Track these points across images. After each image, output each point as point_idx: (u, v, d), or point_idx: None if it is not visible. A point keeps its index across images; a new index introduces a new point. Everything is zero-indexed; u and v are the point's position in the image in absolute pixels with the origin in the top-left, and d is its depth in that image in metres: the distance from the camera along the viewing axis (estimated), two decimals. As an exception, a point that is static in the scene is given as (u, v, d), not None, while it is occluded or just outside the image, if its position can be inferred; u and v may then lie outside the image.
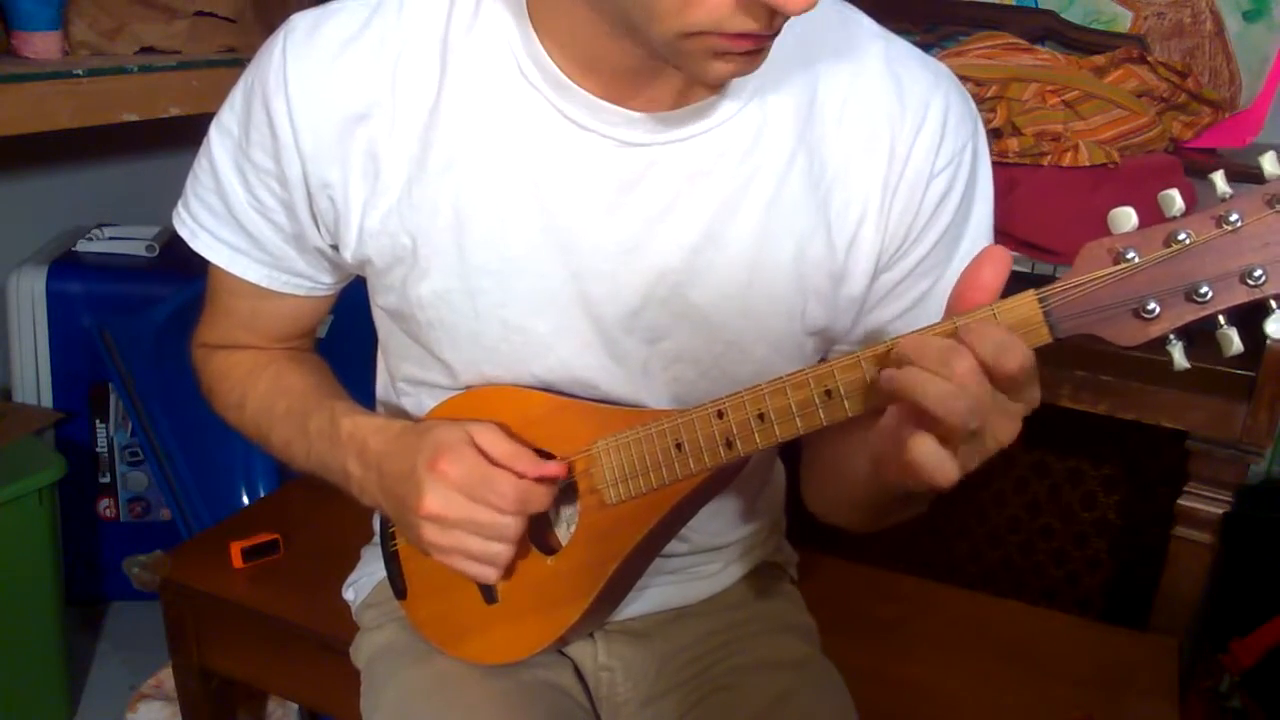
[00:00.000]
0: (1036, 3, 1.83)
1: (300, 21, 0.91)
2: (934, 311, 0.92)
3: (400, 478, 0.92)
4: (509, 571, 0.97)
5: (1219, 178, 0.63)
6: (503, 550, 0.91)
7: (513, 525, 0.90)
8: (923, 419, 0.67)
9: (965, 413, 0.66)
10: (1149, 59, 1.68)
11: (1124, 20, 1.80)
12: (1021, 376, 0.65)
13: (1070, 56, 1.73)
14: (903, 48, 0.94)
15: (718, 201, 0.89)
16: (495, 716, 1.00)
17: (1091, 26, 1.80)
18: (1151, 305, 0.64)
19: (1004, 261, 0.69)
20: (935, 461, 0.68)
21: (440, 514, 0.88)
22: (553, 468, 0.91)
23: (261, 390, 1.07)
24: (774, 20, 0.73)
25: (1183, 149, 1.74)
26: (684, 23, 0.73)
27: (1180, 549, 1.54)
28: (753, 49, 0.76)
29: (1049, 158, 1.57)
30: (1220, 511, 1.51)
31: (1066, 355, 1.52)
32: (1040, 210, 1.56)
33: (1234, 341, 0.64)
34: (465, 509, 0.88)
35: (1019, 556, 2.02)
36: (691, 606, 1.15)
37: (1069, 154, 1.57)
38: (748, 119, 0.89)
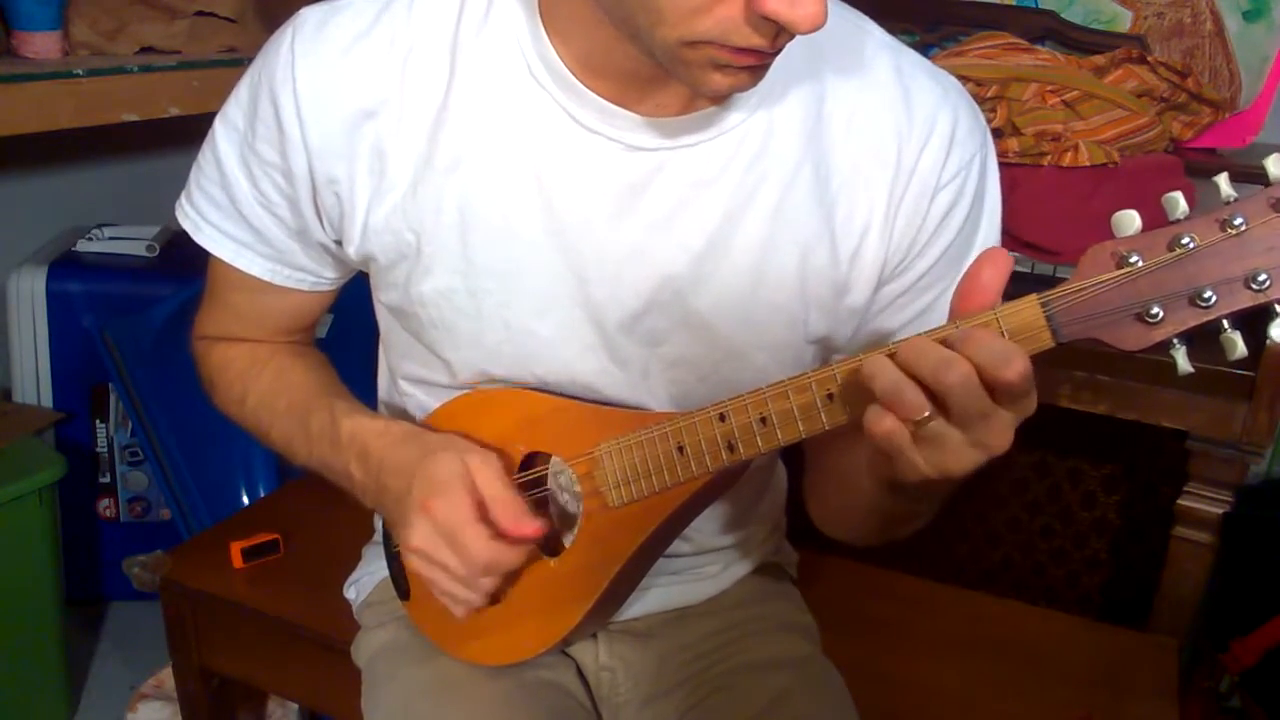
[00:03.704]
0: (1037, 3, 1.83)
1: (309, 16, 0.91)
2: (937, 323, 0.92)
3: (397, 497, 0.92)
4: (512, 572, 0.97)
5: (1223, 180, 0.63)
6: (473, 598, 0.91)
7: (483, 583, 0.90)
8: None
9: (912, 405, 0.66)
10: (1149, 59, 1.69)
11: (1124, 20, 1.80)
12: (1019, 386, 0.65)
13: (1070, 56, 1.73)
14: (912, 59, 0.93)
15: (723, 209, 0.89)
16: (496, 716, 1.00)
17: (1091, 26, 1.80)
18: (1155, 310, 0.64)
19: (1004, 263, 0.69)
20: (890, 438, 0.69)
21: (422, 549, 0.88)
22: (529, 529, 0.88)
23: (263, 385, 1.07)
24: (779, 38, 0.73)
25: (1183, 149, 1.74)
26: (689, 30, 0.72)
27: (1180, 549, 1.54)
28: (754, 64, 0.76)
29: (1049, 158, 1.58)
30: (1220, 511, 1.51)
31: (1067, 356, 1.52)
32: (1040, 210, 1.56)
33: (1238, 346, 0.64)
34: (443, 554, 0.88)
35: (1019, 556, 2.02)
36: (693, 606, 1.15)
37: (1069, 154, 1.57)
38: (755, 127, 0.89)
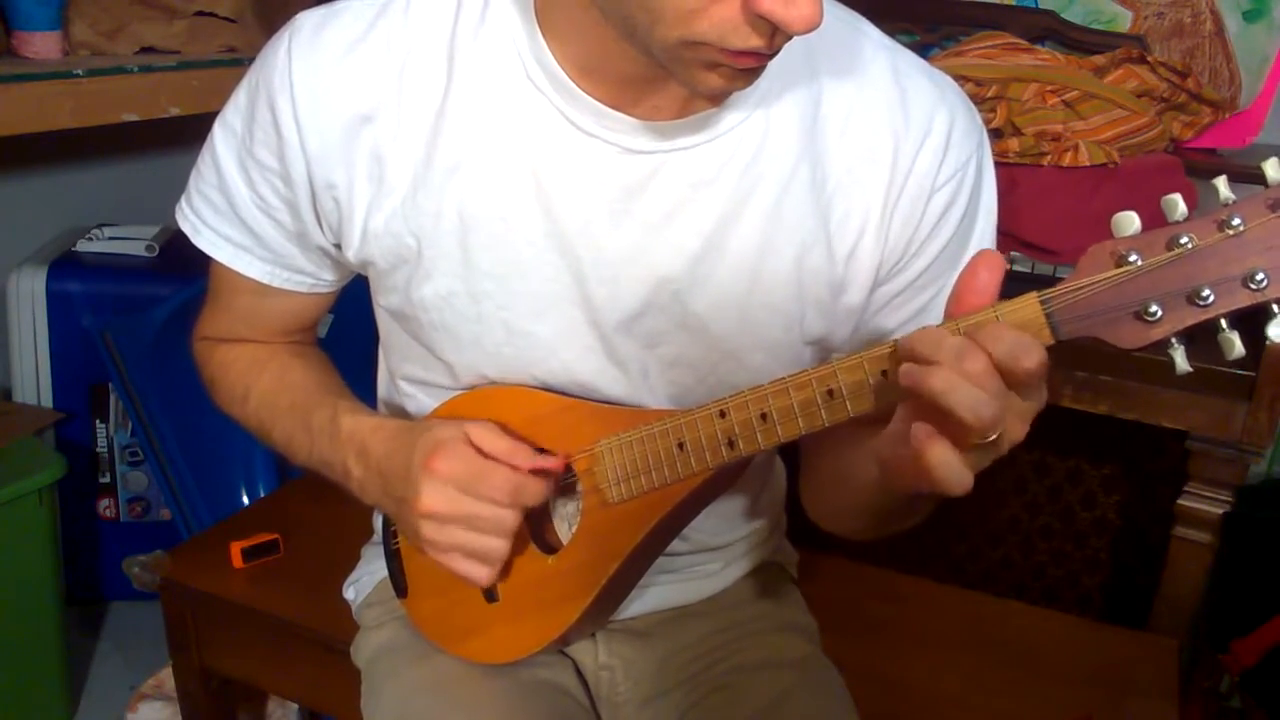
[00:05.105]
0: (1036, 3, 1.83)
1: (306, 21, 0.91)
2: (933, 323, 0.91)
3: (398, 477, 0.92)
4: (509, 570, 0.97)
5: (1222, 182, 0.63)
6: (499, 545, 0.90)
7: (509, 518, 0.89)
8: (941, 422, 0.67)
9: (992, 420, 0.65)
10: (1149, 59, 1.69)
11: (1124, 20, 1.80)
12: (1037, 376, 0.65)
13: (1070, 56, 1.73)
14: (910, 60, 0.93)
15: (720, 210, 0.89)
16: (496, 716, 1.00)
17: (1091, 26, 1.80)
18: (1153, 308, 0.65)
19: (999, 266, 0.70)
20: (954, 471, 0.67)
21: (437, 510, 0.88)
22: (549, 461, 0.90)
23: (265, 385, 1.07)
24: (775, 38, 0.73)
25: (1183, 149, 1.74)
26: (687, 31, 0.72)
27: (1180, 549, 1.54)
28: (752, 65, 0.76)
29: (1049, 158, 1.58)
30: (1220, 511, 1.51)
31: (1067, 355, 1.53)
32: (1040, 210, 1.56)
33: (1236, 345, 0.64)
34: (461, 504, 0.88)
35: (1019, 556, 2.02)
36: (692, 606, 1.15)
37: (1069, 154, 1.57)
38: (752, 129, 0.89)
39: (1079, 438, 1.90)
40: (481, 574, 0.92)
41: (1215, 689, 1.77)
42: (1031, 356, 0.64)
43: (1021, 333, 0.66)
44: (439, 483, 0.88)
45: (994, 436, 0.66)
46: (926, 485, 0.69)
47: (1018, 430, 0.69)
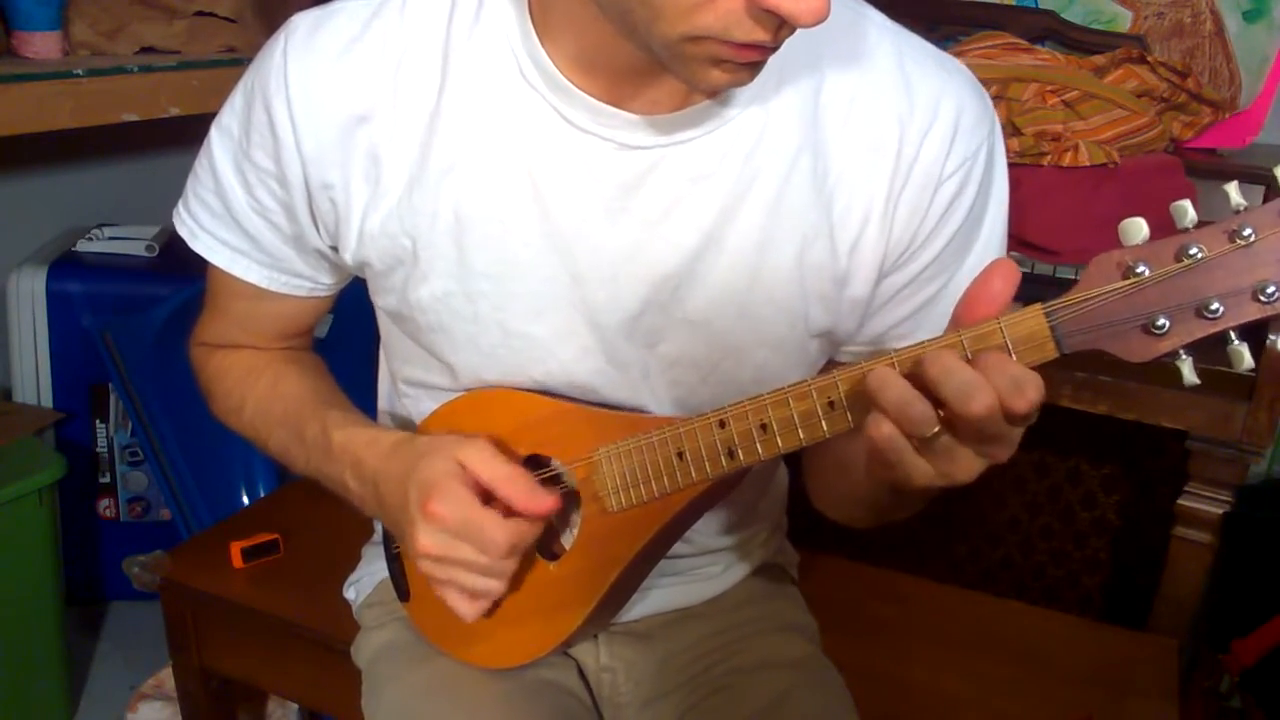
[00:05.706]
0: (1036, 3, 1.83)
1: (301, 22, 0.91)
2: (941, 314, 0.90)
3: (396, 508, 0.91)
4: (510, 576, 0.97)
5: (1233, 189, 0.61)
6: (494, 586, 0.90)
7: (506, 566, 0.89)
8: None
9: (920, 419, 0.66)
10: (1149, 59, 1.69)
11: (1124, 20, 1.80)
12: (1031, 416, 0.65)
13: (1070, 56, 1.73)
14: (916, 45, 0.91)
15: (719, 204, 0.88)
16: (498, 716, 1.00)
17: (1091, 26, 1.80)
18: (1161, 321, 0.63)
19: (1014, 276, 0.69)
20: (905, 457, 0.69)
21: (433, 553, 0.88)
22: (546, 502, 0.88)
23: (259, 394, 1.06)
24: (780, 32, 0.72)
25: (1182, 149, 1.74)
26: (690, 26, 0.71)
27: (1180, 549, 1.55)
28: (755, 59, 0.75)
29: (1049, 158, 1.57)
30: (1220, 511, 1.51)
31: (1067, 355, 1.52)
32: (1040, 210, 1.56)
33: (1245, 358, 0.63)
34: (457, 549, 0.87)
35: (1019, 556, 2.02)
36: (693, 607, 1.15)
37: (1069, 154, 1.57)
38: (751, 120, 0.87)
39: (1079, 438, 1.90)
40: (471, 611, 0.91)
41: (1215, 689, 1.77)
42: (1024, 399, 0.64)
43: (1023, 370, 0.66)
44: (435, 527, 0.87)
45: (929, 434, 0.67)
46: (889, 474, 0.71)
47: (1008, 451, 0.70)
